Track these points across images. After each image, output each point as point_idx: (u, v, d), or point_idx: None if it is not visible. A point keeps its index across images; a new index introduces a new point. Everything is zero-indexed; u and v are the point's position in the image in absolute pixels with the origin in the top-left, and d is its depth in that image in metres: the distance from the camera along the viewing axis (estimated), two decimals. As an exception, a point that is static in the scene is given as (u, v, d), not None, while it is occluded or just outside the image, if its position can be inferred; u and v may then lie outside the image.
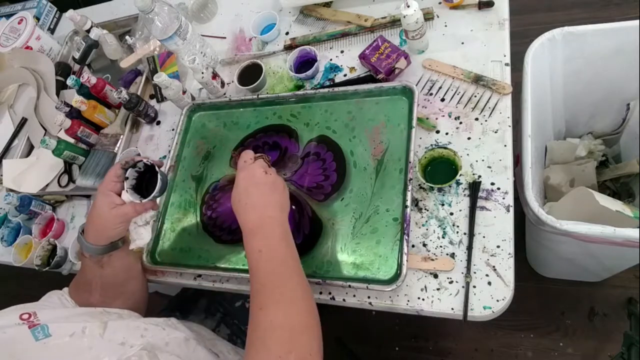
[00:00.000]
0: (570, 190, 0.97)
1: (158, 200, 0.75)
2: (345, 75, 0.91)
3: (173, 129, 0.99)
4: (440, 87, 0.82)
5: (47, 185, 1.07)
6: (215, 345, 0.72)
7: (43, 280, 1.11)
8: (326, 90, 0.86)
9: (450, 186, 0.73)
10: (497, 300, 0.64)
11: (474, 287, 0.66)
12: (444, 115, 0.80)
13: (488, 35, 0.83)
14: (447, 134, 0.78)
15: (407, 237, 0.68)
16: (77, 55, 1.18)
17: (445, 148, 0.73)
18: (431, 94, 0.82)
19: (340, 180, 0.79)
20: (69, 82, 1.03)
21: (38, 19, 1.39)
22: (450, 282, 0.67)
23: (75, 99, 1.01)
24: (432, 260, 0.69)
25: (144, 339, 0.58)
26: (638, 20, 0.84)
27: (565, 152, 1.10)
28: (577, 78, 0.98)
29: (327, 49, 0.96)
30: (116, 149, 1.02)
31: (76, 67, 1.21)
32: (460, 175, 0.73)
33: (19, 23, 1.28)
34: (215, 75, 0.96)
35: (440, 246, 0.70)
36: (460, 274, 0.67)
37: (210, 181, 0.89)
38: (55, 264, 0.95)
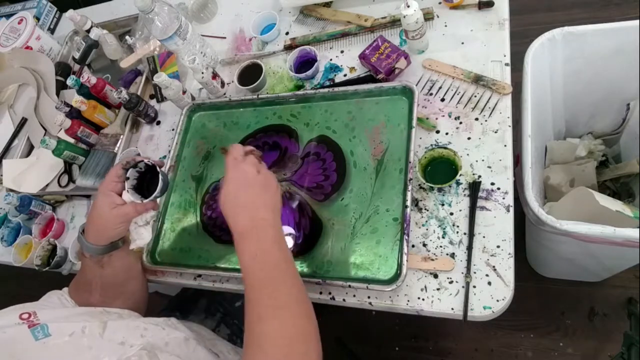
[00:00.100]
0: (570, 190, 0.97)
1: (158, 200, 0.75)
2: (345, 75, 0.91)
3: (173, 129, 0.99)
4: (440, 87, 0.82)
5: (47, 185, 1.07)
6: (215, 345, 0.72)
7: (43, 280, 1.11)
8: (326, 90, 0.86)
9: (450, 186, 0.73)
10: (497, 300, 0.64)
11: (474, 287, 0.66)
12: (444, 115, 0.80)
13: (488, 35, 0.83)
14: (447, 134, 0.78)
15: (407, 237, 0.68)
16: (77, 55, 1.18)
17: (445, 148, 0.73)
18: (431, 94, 0.82)
19: (340, 180, 0.79)
20: (69, 82, 1.03)
21: (38, 19, 1.39)
22: (450, 282, 0.67)
23: (75, 99, 1.01)
24: (432, 260, 0.69)
25: (143, 338, 0.58)
26: (638, 20, 0.84)
27: (565, 152, 1.10)
28: (577, 78, 0.98)
29: (327, 49, 0.96)
30: (116, 149, 1.02)
31: (76, 67, 1.21)
32: (460, 175, 0.73)
33: (19, 23, 1.28)
34: (215, 75, 0.96)
35: (440, 246, 0.70)
36: (460, 274, 0.67)
37: (210, 181, 0.89)
38: (55, 264, 0.95)
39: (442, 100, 0.81)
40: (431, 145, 0.78)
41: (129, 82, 1.12)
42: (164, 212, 0.89)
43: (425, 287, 0.68)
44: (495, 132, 0.75)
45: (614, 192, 1.11)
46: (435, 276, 0.69)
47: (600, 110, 1.07)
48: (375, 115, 0.82)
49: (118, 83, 1.13)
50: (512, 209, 0.69)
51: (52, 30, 1.42)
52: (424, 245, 0.71)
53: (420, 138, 0.79)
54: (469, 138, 0.76)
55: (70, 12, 1.18)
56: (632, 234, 0.68)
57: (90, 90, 1.04)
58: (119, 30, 1.26)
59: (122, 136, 1.03)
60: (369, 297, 0.71)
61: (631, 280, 1.24)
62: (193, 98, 1.00)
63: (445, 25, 0.87)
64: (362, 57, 0.86)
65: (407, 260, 0.67)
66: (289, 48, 0.99)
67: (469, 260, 0.67)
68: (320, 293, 0.73)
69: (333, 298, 0.73)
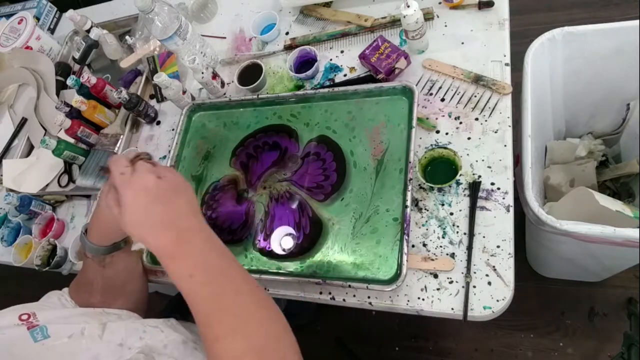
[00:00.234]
0: (570, 190, 0.97)
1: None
2: (345, 75, 0.91)
3: (173, 129, 0.99)
4: (440, 87, 0.82)
5: (47, 185, 1.07)
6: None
7: (43, 280, 1.11)
8: (326, 90, 0.86)
9: (450, 186, 0.73)
10: (497, 300, 0.64)
11: (474, 287, 0.66)
12: (444, 115, 0.80)
13: (488, 35, 0.83)
14: (447, 134, 0.78)
15: (407, 237, 0.68)
16: (77, 55, 1.18)
17: (445, 148, 0.73)
18: (431, 94, 0.82)
19: (340, 180, 0.79)
20: (69, 82, 1.03)
21: (38, 19, 1.39)
22: (450, 282, 0.67)
23: (75, 99, 1.01)
24: (432, 260, 0.69)
25: (142, 341, 0.58)
26: (638, 20, 0.83)
27: (565, 152, 1.10)
28: (577, 78, 0.98)
29: (327, 49, 0.96)
30: (116, 149, 1.02)
31: (76, 67, 1.21)
32: (460, 175, 0.73)
33: (19, 23, 1.28)
34: (215, 75, 0.96)
35: (440, 246, 0.70)
36: (460, 274, 0.67)
37: (210, 181, 0.89)
38: (55, 264, 0.95)
39: (442, 100, 0.81)
40: (431, 145, 0.78)
41: (129, 82, 1.12)
42: (164, 212, 0.89)
43: (425, 287, 0.68)
44: (495, 132, 0.75)
45: (614, 192, 1.11)
46: (435, 276, 0.69)
47: (600, 110, 1.07)
48: (375, 115, 0.82)
49: (118, 83, 1.13)
50: (512, 209, 0.69)
51: (52, 30, 1.42)
52: (424, 245, 0.71)
53: (420, 138, 0.79)
54: (469, 138, 0.76)
55: (70, 12, 1.18)
56: (632, 234, 0.68)
57: (90, 90, 1.04)
58: (119, 30, 1.26)
59: (122, 136, 1.03)
60: (369, 297, 0.71)
61: (631, 280, 1.24)
62: (193, 98, 1.00)
63: (445, 25, 0.87)
64: (362, 57, 0.86)
65: (407, 260, 0.67)
66: (289, 48, 0.99)
67: (469, 260, 0.67)
68: (320, 293, 0.73)
69: (333, 298, 0.73)
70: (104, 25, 1.23)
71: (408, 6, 0.77)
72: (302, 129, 0.87)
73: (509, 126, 0.74)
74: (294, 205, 0.80)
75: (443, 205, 0.73)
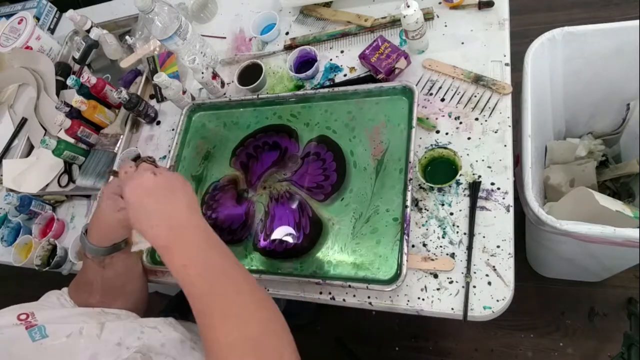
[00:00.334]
0: (570, 190, 0.97)
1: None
2: (345, 75, 0.91)
3: (173, 129, 0.99)
4: (440, 87, 0.82)
5: (47, 185, 1.07)
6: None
7: (43, 280, 1.11)
8: (326, 90, 0.86)
9: (450, 186, 0.73)
10: (497, 300, 0.64)
11: (474, 287, 0.66)
12: (444, 115, 0.80)
13: (488, 35, 0.83)
14: (447, 134, 0.78)
15: (407, 237, 0.68)
16: (77, 55, 1.18)
17: (445, 148, 0.73)
18: (431, 94, 0.82)
19: (340, 180, 0.79)
20: (69, 82, 1.03)
21: (38, 19, 1.39)
22: (450, 282, 0.67)
23: (75, 99, 1.01)
24: (432, 260, 0.69)
25: (140, 340, 0.58)
26: (638, 20, 0.83)
27: (565, 152, 1.10)
28: (577, 78, 0.98)
29: (327, 49, 0.96)
30: (116, 149, 1.02)
31: (76, 67, 1.21)
32: (460, 175, 0.73)
33: (19, 23, 1.28)
34: (215, 75, 0.96)
35: (440, 246, 0.70)
36: (460, 274, 0.67)
37: (210, 181, 0.89)
38: (55, 264, 0.95)
39: (442, 100, 0.81)
40: (431, 145, 0.78)
41: (129, 82, 1.12)
42: (164, 212, 0.89)
43: (425, 287, 0.68)
44: (495, 132, 0.75)
45: (614, 192, 1.11)
46: (435, 276, 0.68)
47: (600, 110, 1.07)
48: (375, 115, 0.82)
49: (118, 83, 1.13)
50: (512, 209, 0.69)
51: (52, 30, 1.42)
52: (424, 245, 0.71)
53: (420, 138, 0.79)
54: (469, 138, 0.76)
55: (70, 12, 1.18)
56: (632, 234, 0.68)
57: (90, 90, 1.04)
58: (119, 30, 1.26)
59: (122, 136, 1.03)
60: (369, 297, 0.71)
61: (631, 280, 1.24)
62: (193, 98, 1.00)
63: (445, 25, 0.87)
64: (362, 57, 0.86)
65: (407, 260, 0.67)
66: (289, 48, 0.99)
67: (469, 260, 0.67)
68: (320, 293, 0.73)
69: (333, 298, 0.73)
70: (104, 25, 1.23)
71: (408, 6, 0.77)
72: (302, 129, 0.87)
73: (509, 126, 0.74)
74: (294, 205, 0.80)
75: (443, 205, 0.73)
